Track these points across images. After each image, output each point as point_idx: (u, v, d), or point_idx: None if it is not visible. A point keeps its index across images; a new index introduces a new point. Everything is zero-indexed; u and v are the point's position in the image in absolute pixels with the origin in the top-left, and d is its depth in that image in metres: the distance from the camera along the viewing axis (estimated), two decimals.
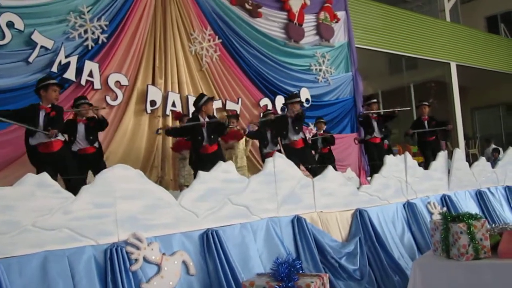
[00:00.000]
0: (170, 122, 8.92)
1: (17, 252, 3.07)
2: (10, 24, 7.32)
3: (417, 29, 14.75)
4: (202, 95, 7.19)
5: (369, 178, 8.60)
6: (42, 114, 5.81)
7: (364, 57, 13.26)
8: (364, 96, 11.97)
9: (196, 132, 6.82)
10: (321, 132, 9.87)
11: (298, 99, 8.30)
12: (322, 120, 10.09)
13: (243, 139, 8.90)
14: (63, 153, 5.97)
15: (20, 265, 3.02)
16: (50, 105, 5.90)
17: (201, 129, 6.79)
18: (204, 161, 6.50)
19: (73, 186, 5.19)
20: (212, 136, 6.79)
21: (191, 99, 9.11)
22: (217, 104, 9.69)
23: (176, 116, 8.81)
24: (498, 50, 17.76)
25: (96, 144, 6.72)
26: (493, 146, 16.15)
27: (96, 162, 6.59)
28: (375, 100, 9.23)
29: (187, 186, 7.40)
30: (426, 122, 9.15)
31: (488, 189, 7.56)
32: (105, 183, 3.54)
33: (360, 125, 9.81)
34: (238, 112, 9.90)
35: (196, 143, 6.86)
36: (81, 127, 6.60)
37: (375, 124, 8.99)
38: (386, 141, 9.84)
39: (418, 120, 9.47)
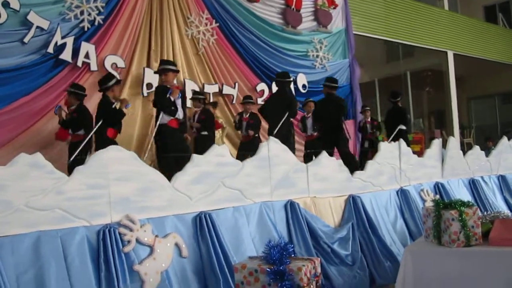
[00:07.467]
0: None
1: (10, 232, 3.07)
2: (5, 4, 7.25)
3: (415, 17, 14.71)
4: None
5: None
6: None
7: (361, 44, 13.23)
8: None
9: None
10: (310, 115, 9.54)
11: (291, 79, 8.45)
12: (311, 100, 9.77)
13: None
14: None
15: (12, 244, 3.03)
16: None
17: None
18: None
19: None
20: None
21: (188, 83, 9.10)
22: (213, 88, 9.67)
23: None
24: (495, 40, 17.75)
25: None
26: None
27: None
28: (368, 108, 11.05)
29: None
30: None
31: (482, 177, 7.59)
32: (99, 164, 3.53)
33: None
34: (235, 96, 9.91)
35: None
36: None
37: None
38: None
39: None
